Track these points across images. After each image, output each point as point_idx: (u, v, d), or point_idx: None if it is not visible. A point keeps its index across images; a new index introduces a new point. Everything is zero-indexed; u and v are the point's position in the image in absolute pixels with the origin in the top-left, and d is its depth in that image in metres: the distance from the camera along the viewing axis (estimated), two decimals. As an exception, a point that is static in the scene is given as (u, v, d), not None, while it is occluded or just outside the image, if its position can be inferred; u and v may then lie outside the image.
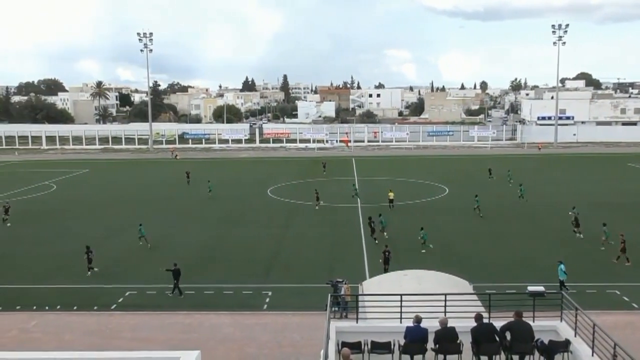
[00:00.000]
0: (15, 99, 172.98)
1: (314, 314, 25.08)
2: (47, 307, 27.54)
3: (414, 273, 20.56)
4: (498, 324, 12.94)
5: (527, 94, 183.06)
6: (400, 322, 13.77)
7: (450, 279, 19.52)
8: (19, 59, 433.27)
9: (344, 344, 12.78)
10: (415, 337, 12.81)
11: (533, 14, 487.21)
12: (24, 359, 9.88)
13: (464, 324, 13.12)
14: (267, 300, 28.18)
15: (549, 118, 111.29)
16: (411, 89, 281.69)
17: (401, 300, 14.07)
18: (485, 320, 13.15)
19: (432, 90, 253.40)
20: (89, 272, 32.29)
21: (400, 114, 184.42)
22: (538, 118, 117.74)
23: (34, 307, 27.57)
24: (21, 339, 24.08)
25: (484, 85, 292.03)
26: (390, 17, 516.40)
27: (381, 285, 18.85)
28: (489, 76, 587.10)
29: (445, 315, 13.41)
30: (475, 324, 12.84)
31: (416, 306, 13.57)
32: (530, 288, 26.68)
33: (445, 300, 14.12)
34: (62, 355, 10.74)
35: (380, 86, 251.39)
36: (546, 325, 13.85)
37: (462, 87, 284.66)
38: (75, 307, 27.59)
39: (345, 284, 25.87)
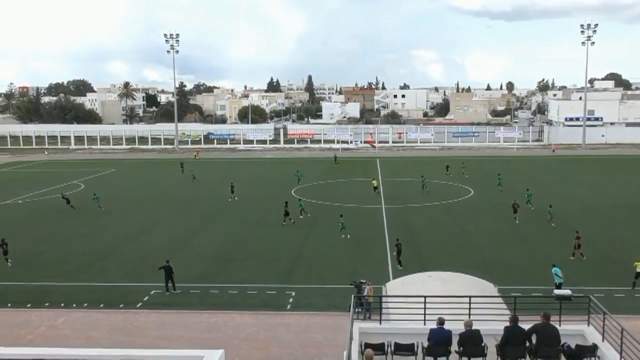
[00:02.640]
0: (45, 99, 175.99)
1: (337, 314, 25.12)
2: (74, 305, 27.98)
3: (438, 275, 20.42)
4: (524, 327, 12.79)
5: (555, 95, 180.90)
6: (424, 324, 13.69)
7: (475, 281, 19.35)
8: (50, 60, 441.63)
9: (367, 345, 12.75)
10: (439, 340, 12.71)
11: (561, 14, 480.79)
12: (53, 354, 10.05)
13: (488, 327, 12.99)
14: (291, 300, 28.24)
15: (577, 119, 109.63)
16: (436, 89, 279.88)
17: (425, 302, 13.98)
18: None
19: (458, 90, 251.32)
20: (9, 263, 34.30)
21: (425, 114, 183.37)
22: (566, 119, 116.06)
23: (62, 305, 28.03)
24: (49, 335, 24.50)
25: (510, 86, 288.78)
26: (415, 17, 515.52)
27: (405, 286, 18.75)
28: (515, 77, 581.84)
29: (469, 317, 13.29)
30: (508, 325, 12.68)
31: (440, 308, 13.48)
32: (557, 291, 26.39)
33: (470, 303, 13.99)
34: (89, 352, 10.89)
35: (405, 87, 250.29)
36: (573, 330, 13.64)
37: (488, 88, 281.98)
38: (102, 305, 27.97)
39: (369, 285, 25.81)
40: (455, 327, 12.72)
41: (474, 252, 35.83)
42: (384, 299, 16.53)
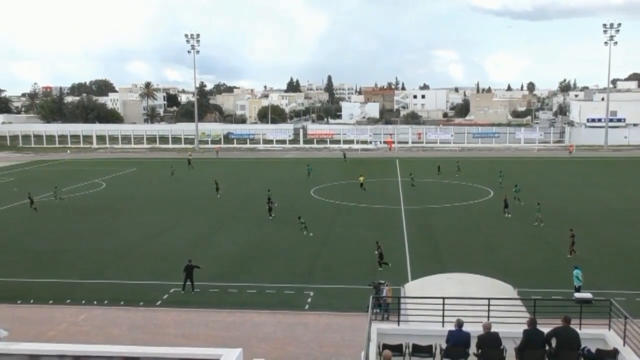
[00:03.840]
0: (68, 99, 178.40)
1: (355, 315, 25.11)
2: (95, 302, 28.32)
3: (457, 276, 20.34)
4: (544, 330, 12.68)
5: (577, 95, 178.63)
6: (443, 326, 13.65)
7: (494, 283, 19.24)
8: (72, 60, 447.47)
9: (385, 346, 12.76)
10: (457, 342, 12.66)
11: (584, 13, 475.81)
12: (74, 351, 10.21)
13: (507, 330, 12.91)
14: (309, 300, 28.28)
15: (599, 120, 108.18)
16: (456, 90, 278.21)
17: (443, 304, 13.94)
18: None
19: (478, 91, 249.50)
20: None
21: (445, 115, 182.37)
22: (588, 120, 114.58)
23: (83, 302, 28.38)
24: (70, 332, 24.84)
25: (531, 86, 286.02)
26: (436, 17, 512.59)
27: (423, 287, 18.71)
28: (536, 77, 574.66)
29: (488, 320, 13.22)
30: (527, 327, 12.58)
31: (459, 310, 13.43)
32: (577, 294, 26.10)
33: (489, 305, 13.92)
34: (109, 349, 11.03)
35: (425, 87, 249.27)
36: (593, 334, 13.50)
37: (509, 88, 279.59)
38: (122, 302, 28.26)
39: (387, 285, 25.78)
40: (474, 329, 12.67)
41: (494, 254, 35.58)
42: (402, 300, 16.51)
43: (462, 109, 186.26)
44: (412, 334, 13.70)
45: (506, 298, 15.94)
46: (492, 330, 12.62)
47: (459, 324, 12.82)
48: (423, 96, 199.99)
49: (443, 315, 13.88)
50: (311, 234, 40.24)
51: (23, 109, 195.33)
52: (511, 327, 13.09)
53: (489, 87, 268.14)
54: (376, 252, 33.19)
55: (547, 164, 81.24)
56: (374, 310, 16.09)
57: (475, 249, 36.93)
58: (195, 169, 76.64)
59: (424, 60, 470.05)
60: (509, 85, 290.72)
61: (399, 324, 14.56)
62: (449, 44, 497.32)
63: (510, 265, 32.54)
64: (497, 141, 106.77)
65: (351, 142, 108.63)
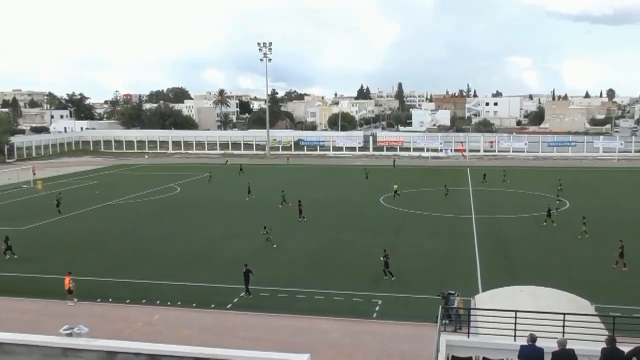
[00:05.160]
0: (147, 106, 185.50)
1: (423, 325, 24.79)
2: (169, 303, 29.21)
3: (530, 289, 19.71)
4: (624, 349, 12.10)
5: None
6: (514, 340, 13.27)
7: (570, 297, 18.51)
8: (151, 69, 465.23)
9: (454, 358, 12.54)
10: (530, 357, 12.28)
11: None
12: (148, 350, 10.58)
13: (584, 347, 12.40)
14: (377, 308, 28.14)
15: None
16: (530, 97, 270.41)
17: (515, 317, 13.55)
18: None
19: (554, 98, 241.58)
20: (7, 257, 37.60)
21: (519, 123, 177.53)
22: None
23: (158, 302, 29.34)
24: (145, 331, 25.71)
25: (611, 93, 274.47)
26: (510, 23, 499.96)
27: (494, 299, 18.24)
28: (617, 84, 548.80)
29: (563, 336, 12.75)
30: (605, 346, 12.04)
31: (532, 324, 13.02)
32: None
33: (564, 320, 13.42)
34: (181, 349, 11.35)
35: (497, 94, 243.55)
36: (678, 354, 12.76)
37: (587, 96, 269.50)
38: (194, 304, 29.03)
39: (458, 296, 25.28)
40: (548, 345, 12.24)
41: (569, 267, 34.26)
42: (472, 312, 16.17)
43: (537, 117, 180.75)
44: (482, 347, 13.40)
45: (583, 314, 15.31)
46: (568, 347, 12.16)
47: (532, 338, 12.42)
48: (495, 103, 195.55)
49: (515, 329, 13.49)
50: (275, 246, 39.69)
51: (105, 116, 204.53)
52: (588, 344, 12.58)
53: (565, 94, 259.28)
54: (382, 258, 32.72)
55: (628, 174, 77.57)
56: (443, 321, 15.83)
57: (549, 260, 35.70)
58: (267, 175, 77.69)
59: (496, 67, 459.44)
60: (586, 92, 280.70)
61: (468, 336, 14.27)
62: (523, 50, 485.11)
63: (587, 280, 31.23)
64: (573, 150, 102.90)
65: (421, 149, 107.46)
